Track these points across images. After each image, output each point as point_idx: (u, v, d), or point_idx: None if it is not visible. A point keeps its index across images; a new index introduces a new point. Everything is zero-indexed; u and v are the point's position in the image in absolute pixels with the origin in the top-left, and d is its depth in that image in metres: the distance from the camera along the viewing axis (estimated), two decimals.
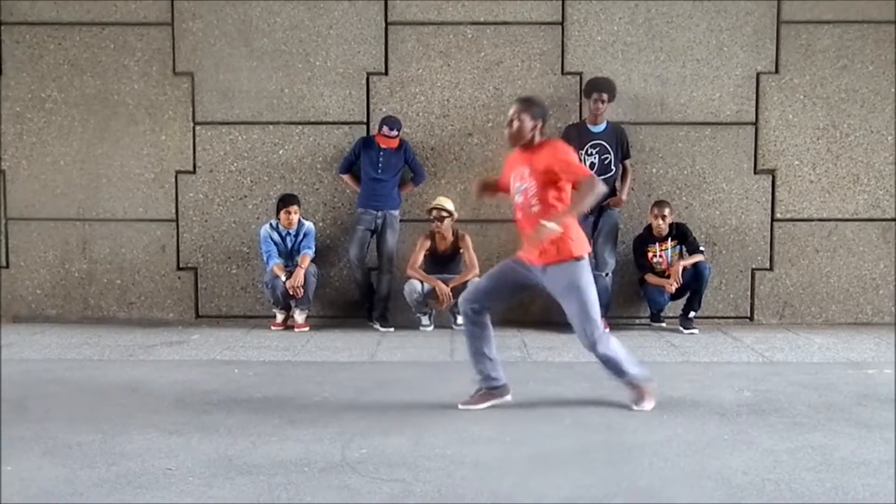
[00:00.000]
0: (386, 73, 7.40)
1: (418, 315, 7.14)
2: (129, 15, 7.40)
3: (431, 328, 7.12)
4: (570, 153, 4.50)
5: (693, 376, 5.38)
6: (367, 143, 7.17)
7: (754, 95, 7.38)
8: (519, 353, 6.14)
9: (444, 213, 7.00)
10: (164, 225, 7.50)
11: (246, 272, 7.49)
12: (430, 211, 7.08)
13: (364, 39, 7.38)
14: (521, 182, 4.56)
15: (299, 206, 7.08)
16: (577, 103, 7.33)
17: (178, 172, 7.47)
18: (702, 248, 7.05)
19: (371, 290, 7.27)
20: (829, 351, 6.29)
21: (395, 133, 7.04)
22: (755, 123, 7.39)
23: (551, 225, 4.23)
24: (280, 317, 7.15)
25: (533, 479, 3.48)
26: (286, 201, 7.02)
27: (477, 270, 6.96)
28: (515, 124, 4.54)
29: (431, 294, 6.97)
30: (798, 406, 4.63)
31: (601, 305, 6.97)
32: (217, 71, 7.41)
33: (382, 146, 7.06)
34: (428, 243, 7.11)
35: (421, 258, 7.08)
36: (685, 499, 3.27)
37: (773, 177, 7.42)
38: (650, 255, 7.04)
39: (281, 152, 7.44)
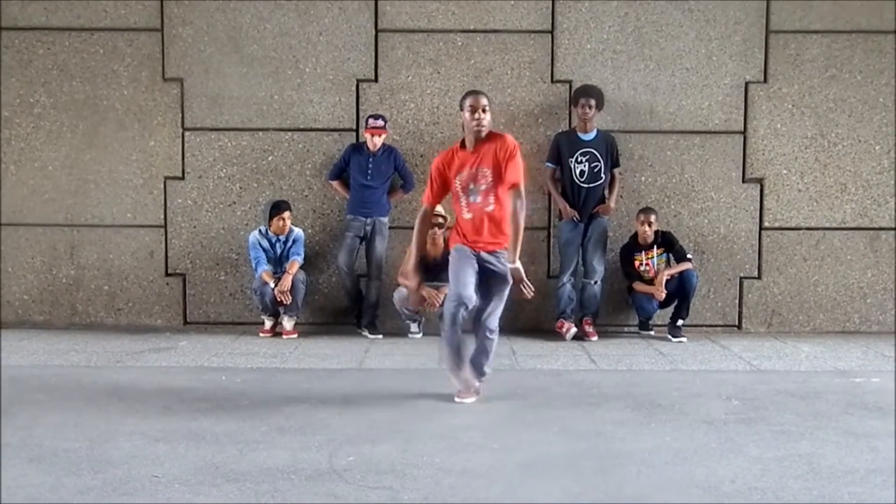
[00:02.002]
0: (376, 80, 7.40)
1: (407, 322, 7.13)
2: (118, 20, 7.38)
3: (420, 335, 7.11)
4: (519, 151, 4.66)
5: (681, 384, 5.39)
6: (357, 149, 7.16)
7: (743, 104, 7.41)
8: (508, 360, 6.13)
9: (441, 219, 6.92)
10: (153, 231, 7.47)
11: (234, 279, 7.47)
12: None
13: (354, 46, 7.38)
14: (477, 182, 4.59)
15: (291, 213, 7.07)
16: (567, 111, 7.35)
17: (166, 178, 7.44)
18: (689, 256, 7.05)
19: (360, 297, 7.25)
20: (817, 359, 6.30)
21: (380, 122, 7.04)
22: (744, 132, 7.42)
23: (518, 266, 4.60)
24: (268, 323, 7.13)
25: (521, 486, 3.48)
26: (279, 207, 6.99)
27: None
28: (489, 115, 4.57)
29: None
30: (785, 414, 4.64)
31: (590, 313, 7.09)
32: (206, 77, 7.40)
33: (371, 148, 7.02)
34: None
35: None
36: None
37: (762, 186, 7.44)
38: (637, 263, 7.05)
39: (270, 159, 7.43)
